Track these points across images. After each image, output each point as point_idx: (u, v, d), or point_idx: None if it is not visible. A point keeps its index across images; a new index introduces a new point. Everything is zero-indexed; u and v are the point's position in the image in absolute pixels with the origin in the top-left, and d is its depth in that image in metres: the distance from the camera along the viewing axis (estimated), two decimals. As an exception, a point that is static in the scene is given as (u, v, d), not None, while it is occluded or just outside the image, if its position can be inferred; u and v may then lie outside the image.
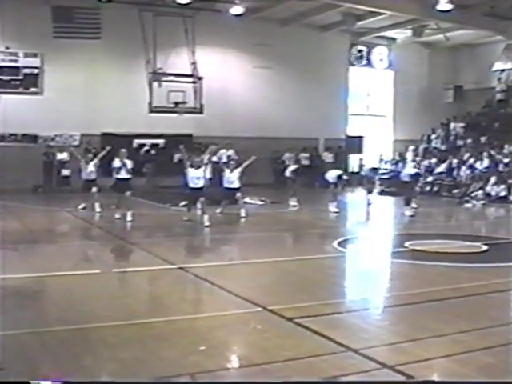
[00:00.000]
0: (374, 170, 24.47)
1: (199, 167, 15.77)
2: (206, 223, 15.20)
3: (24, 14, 24.20)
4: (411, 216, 17.83)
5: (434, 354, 5.92)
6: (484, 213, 20.94)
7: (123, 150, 17.30)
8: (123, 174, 16.96)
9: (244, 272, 10.44)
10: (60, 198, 22.34)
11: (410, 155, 28.13)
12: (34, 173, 24.65)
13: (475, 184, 24.10)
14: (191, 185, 15.59)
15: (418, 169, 24.19)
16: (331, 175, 19.54)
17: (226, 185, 17.73)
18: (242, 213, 17.27)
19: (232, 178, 17.60)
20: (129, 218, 16.20)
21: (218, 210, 17.52)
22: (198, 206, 16.42)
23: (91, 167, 18.66)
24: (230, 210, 17.46)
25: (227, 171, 17.85)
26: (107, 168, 18.47)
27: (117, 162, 17.07)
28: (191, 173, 15.56)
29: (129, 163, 17.06)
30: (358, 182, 25.84)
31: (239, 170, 17.66)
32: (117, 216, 16.52)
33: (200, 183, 15.62)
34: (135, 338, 6.52)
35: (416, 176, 20.09)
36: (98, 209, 18.06)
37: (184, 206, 17.38)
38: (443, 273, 10.12)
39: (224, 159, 23.72)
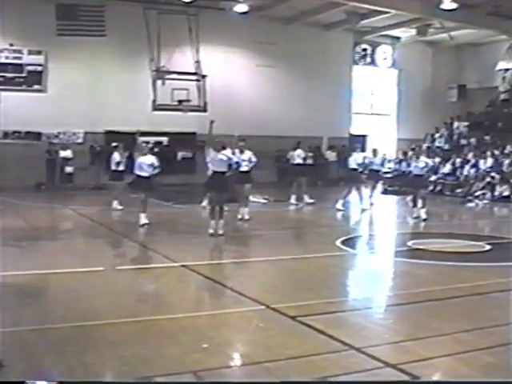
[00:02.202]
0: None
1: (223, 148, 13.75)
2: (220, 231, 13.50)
3: (28, 12, 24.22)
4: (417, 218, 16.94)
5: (436, 353, 5.93)
6: (487, 212, 20.93)
7: (144, 145, 16.03)
8: (144, 172, 15.02)
9: (247, 270, 10.44)
10: (63, 196, 22.40)
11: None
12: (37, 170, 24.68)
13: (478, 183, 24.08)
14: (216, 169, 13.42)
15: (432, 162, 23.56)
16: (355, 159, 19.45)
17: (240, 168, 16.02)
18: (240, 214, 16.03)
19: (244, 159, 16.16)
20: (143, 221, 14.81)
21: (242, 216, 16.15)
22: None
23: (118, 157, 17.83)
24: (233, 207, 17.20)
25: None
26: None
27: (146, 159, 15.11)
28: (219, 155, 13.41)
29: (150, 159, 15.11)
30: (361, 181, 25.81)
31: (250, 153, 16.30)
32: (144, 221, 14.86)
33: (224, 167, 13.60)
34: (138, 335, 6.54)
35: (430, 169, 19.21)
36: (118, 207, 17.67)
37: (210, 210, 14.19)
38: (446, 272, 10.12)
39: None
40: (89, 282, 9.03)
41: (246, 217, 16.06)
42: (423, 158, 17.88)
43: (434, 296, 8.20)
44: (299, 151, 20.87)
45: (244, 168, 16.19)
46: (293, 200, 20.22)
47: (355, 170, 19.48)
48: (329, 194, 21.29)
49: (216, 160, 13.41)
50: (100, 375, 5.56)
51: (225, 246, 13.35)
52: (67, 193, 23.33)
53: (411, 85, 32.67)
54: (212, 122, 13.63)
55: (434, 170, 26.67)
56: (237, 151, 16.12)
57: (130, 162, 16.26)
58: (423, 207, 17.00)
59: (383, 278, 10.13)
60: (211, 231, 13.21)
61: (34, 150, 24.82)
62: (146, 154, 15.12)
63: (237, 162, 14.39)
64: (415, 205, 17.39)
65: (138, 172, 15.02)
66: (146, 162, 14.91)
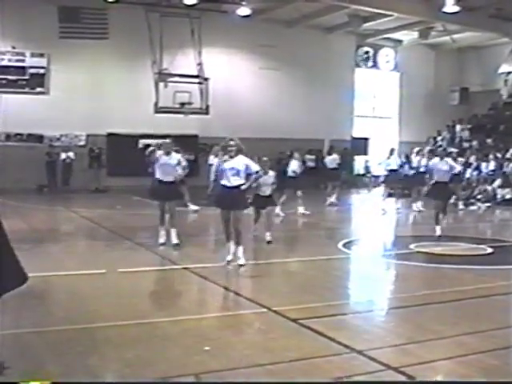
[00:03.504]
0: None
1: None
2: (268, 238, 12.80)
3: (30, 14, 24.30)
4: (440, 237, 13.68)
5: (438, 356, 5.93)
6: (489, 215, 20.91)
7: (167, 141, 12.46)
8: (168, 175, 12.09)
9: (249, 272, 10.44)
10: (65, 198, 22.41)
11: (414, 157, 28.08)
12: (40, 172, 24.74)
13: (481, 186, 24.07)
14: (227, 182, 10.14)
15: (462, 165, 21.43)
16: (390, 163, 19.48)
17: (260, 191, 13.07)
18: (268, 236, 13.01)
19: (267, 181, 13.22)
20: (174, 240, 12.09)
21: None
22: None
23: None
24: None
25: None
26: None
27: (170, 158, 12.12)
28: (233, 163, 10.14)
29: (176, 158, 12.29)
30: (364, 184, 25.87)
31: (272, 173, 13.58)
32: (161, 241, 12.24)
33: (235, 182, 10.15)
34: (140, 337, 6.54)
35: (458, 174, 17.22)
36: (194, 207, 15.37)
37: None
38: (447, 275, 10.13)
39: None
40: (91, 285, 9.04)
41: (268, 238, 13.02)
42: (448, 160, 14.29)
43: (435, 299, 8.20)
44: (335, 156, 21.17)
45: (266, 192, 13.27)
46: (333, 199, 20.82)
47: (395, 170, 19.77)
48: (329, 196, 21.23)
49: (228, 170, 10.09)
50: (102, 377, 5.56)
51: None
52: (69, 195, 23.36)
53: (413, 88, 32.70)
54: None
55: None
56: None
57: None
58: (442, 218, 14.02)
59: (385, 281, 10.13)
60: (229, 258, 10.29)
61: (36, 153, 24.89)
62: (169, 153, 12.14)
63: (257, 172, 10.30)
64: (438, 221, 13.93)
65: (159, 176, 12.11)
66: (171, 163, 12.10)
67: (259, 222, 13.50)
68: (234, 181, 10.04)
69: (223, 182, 10.13)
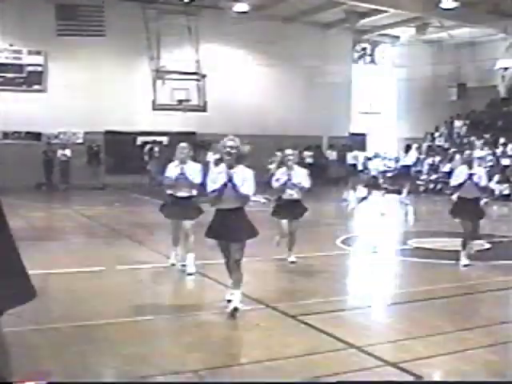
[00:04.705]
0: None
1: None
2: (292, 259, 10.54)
3: (28, 12, 24.27)
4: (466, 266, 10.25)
5: (437, 352, 5.93)
6: (487, 211, 20.89)
7: (183, 145, 9.86)
8: (181, 189, 9.69)
9: (247, 269, 10.43)
10: (63, 196, 22.41)
11: (413, 153, 28.10)
12: (38, 170, 24.75)
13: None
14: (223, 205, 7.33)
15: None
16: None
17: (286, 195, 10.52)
18: (292, 257, 10.56)
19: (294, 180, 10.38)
20: (190, 268, 9.64)
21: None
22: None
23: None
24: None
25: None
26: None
27: (172, 168, 9.81)
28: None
29: (193, 169, 9.68)
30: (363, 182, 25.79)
31: (300, 170, 10.55)
32: (171, 261, 10.15)
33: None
34: (139, 334, 6.54)
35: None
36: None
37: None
38: (446, 270, 10.12)
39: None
40: (90, 282, 9.05)
41: (293, 259, 10.55)
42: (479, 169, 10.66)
43: (434, 294, 8.21)
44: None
45: (294, 194, 10.50)
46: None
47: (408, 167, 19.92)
48: (328, 194, 21.25)
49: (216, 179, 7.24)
50: (101, 375, 5.57)
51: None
52: (67, 193, 23.34)
53: (411, 83, 32.72)
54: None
55: (434, 169, 26.63)
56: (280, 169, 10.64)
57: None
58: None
59: (383, 277, 10.13)
60: (229, 298, 7.50)
61: (34, 150, 24.88)
62: (185, 162, 9.71)
63: (246, 197, 7.37)
64: (464, 247, 10.36)
65: (171, 190, 9.86)
66: (187, 175, 9.66)
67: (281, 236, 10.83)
68: (232, 200, 7.28)
69: (220, 206, 7.36)
